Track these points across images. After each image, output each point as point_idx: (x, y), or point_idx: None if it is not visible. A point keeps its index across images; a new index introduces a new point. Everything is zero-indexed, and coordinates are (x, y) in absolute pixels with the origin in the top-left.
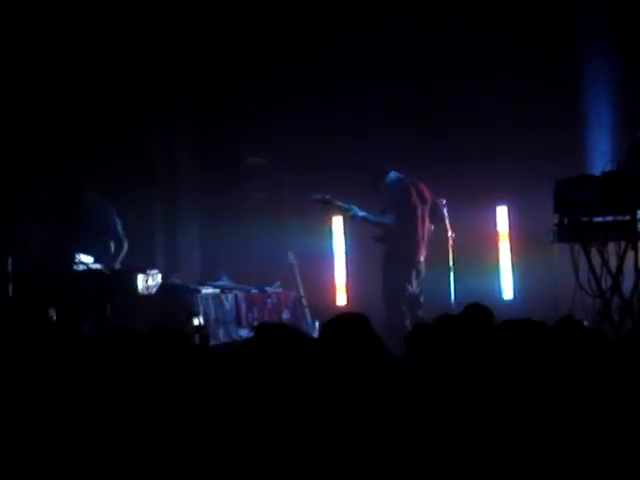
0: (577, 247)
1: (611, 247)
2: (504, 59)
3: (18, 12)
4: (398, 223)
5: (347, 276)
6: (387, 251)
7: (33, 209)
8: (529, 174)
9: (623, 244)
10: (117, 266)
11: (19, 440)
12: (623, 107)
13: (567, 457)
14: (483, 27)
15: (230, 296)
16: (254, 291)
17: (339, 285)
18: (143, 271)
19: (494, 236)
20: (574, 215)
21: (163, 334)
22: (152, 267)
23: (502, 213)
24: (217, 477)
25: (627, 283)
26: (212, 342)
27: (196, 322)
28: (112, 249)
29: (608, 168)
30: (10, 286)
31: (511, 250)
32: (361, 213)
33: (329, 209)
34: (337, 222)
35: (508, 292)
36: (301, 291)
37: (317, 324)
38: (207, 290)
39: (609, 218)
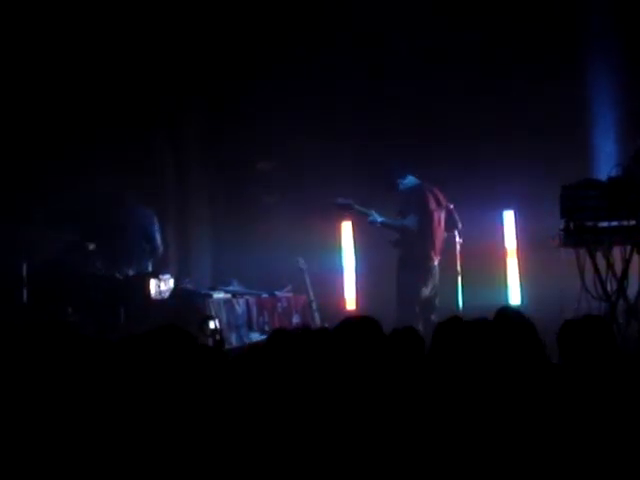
0: (583, 251)
1: (616, 251)
2: (511, 65)
3: (28, 11)
4: (417, 225)
5: (356, 280)
6: (403, 254)
7: (46, 212)
8: (535, 179)
9: (628, 248)
10: (132, 271)
11: (34, 444)
12: (629, 112)
13: (575, 461)
14: (489, 32)
15: (241, 301)
16: (264, 296)
17: (349, 289)
18: (155, 276)
19: (501, 241)
20: (580, 220)
21: (172, 335)
22: (164, 272)
23: (509, 218)
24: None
25: (632, 287)
26: (225, 346)
27: (212, 325)
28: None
29: (614, 173)
30: (25, 290)
31: (518, 255)
32: (380, 218)
33: (347, 214)
34: (346, 227)
35: (515, 296)
36: (311, 295)
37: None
38: (219, 295)
39: (614, 223)
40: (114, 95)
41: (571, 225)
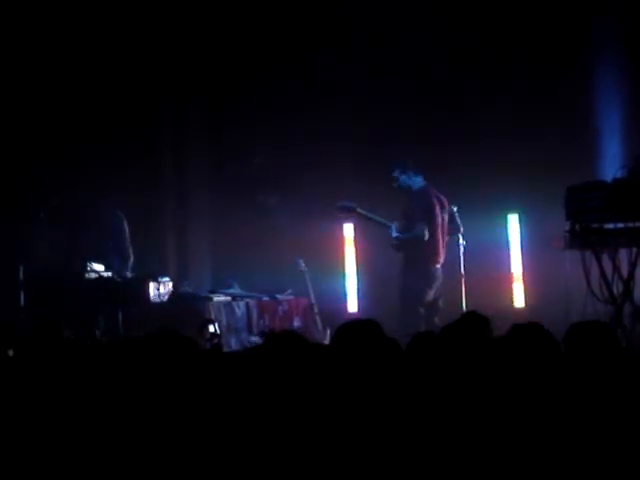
0: (588, 254)
1: (622, 253)
2: (516, 66)
3: (28, 11)
4: (428, 234)
5: (358, 282)
6: (407, 257)
7: (44, 214)
8: (540, 181)
9: (634, 250)
10: (128, 274)
11: (29, 448)
12: (634, 113)
13: (571, 462)
14: (495, 34)
15: (241, 304)
16: (265, 299)
17: (350, 292)
18: (154, 279)
19: (505, 244)
20: (585, 222)
21: (168, 339)
22: (163, 275)
23: (513, 221)
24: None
25: (638, 289)
26: (224, 350)
27: (212, 329)
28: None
29: (619, 174)
30: (22, 294)
31: (522, 257)
32: (395, 234)
33: (350, 217)
34: (348, 229)
35: (519, 299)
36: (312, 298)
37: (328, 331)
38: (219, 298)
39: (620, 225)
40: (113, 95)
41: (577, 227)
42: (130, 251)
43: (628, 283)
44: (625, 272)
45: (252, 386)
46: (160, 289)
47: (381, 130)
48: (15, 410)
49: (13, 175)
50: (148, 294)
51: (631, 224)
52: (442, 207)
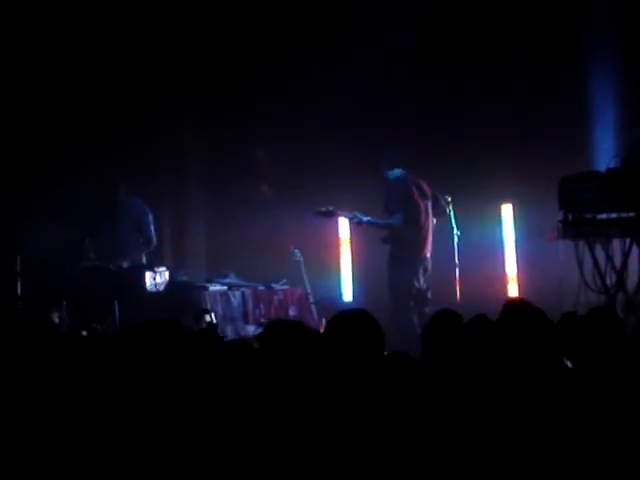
0: (582, 244)
1: (616, 244)
2: (509, 58)
3: (24, 12)
4: (404, 221)
5: (353, 272)
6: (393, 249)
7: (41, 208)
8: (534, 171)
9: (628, 241)
10: (125, 264)
11: (24, 442)
12: (627, 104)
13: (571, 457)
14: (487, 26)
15: (237, 293)
16: (261, 288)
17: (345, 281)
18: (151, 269)
19: (499, 234)
20: (578, 212)
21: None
22: (160, 265)
23: (507, 210)
24: (223, 473)
25: (632, 280)
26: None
27: (207, 319)
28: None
29: (612, 165)
30: (18, 284)
31: (516, 247)
32: (365, 218)
33: (333, 218)
34: (343, 221)
35: (513, 288)
36: (307, 288)
37: (323, 320)
38: (214, 287)
39: (613, 215)
40: (111, 90)
41: (570, 217)
42: (154, 238)
43: (621, 273)
44: (618, 262)
45: (250, 374)
46: (156, 278)
47: (378, 123)
48: (10, 402)
49: (12, 171)
50: (144, 283)
51: (624, 214)
52: (422, 194)
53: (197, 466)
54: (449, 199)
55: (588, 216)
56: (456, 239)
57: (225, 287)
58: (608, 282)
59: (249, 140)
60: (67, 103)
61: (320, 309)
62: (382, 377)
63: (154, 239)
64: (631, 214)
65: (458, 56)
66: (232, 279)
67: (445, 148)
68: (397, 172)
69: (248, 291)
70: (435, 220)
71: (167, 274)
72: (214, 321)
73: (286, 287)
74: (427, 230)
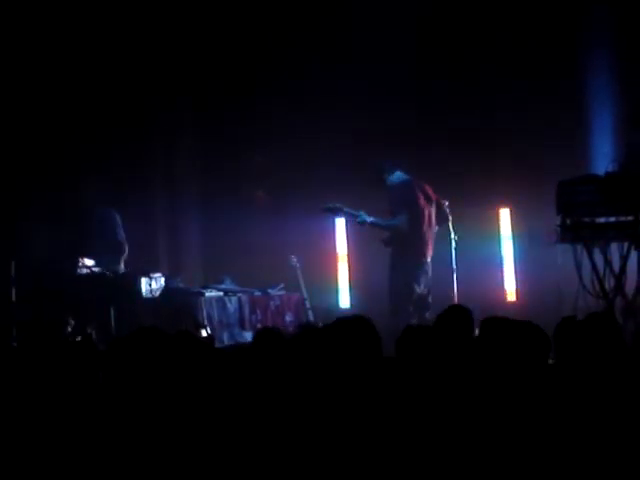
0: (580, 248)
1: (614, 248)
2: (506, 60)
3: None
4: (408, 223)
5: (350, 278)
6: (394, 252)
7: (36, 211)
8: (532, 176)
9: (626, 245)
10: (121, 269)
11: (27, 447)
12: (625, 108)
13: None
14: (484, 27)
15: (233, 299)
16: (257, 294)
17: (342, 287)
18: (146, 274)
19: (497, 238)
20: (577, 216)
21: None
22: (155, 270)
23: (505, 215)
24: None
25: (630, 284)
26: (217, 345)
27: (204, 334)
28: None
29: (610, 168)
30: (13, 289)
31: (514, 252)
32: (370, 219)
33: (339, 216)
34: (340, 223)
35: (511, 293)
36: (304, 293)
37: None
38: (210, 293)
39: (612, 219)
40: (104, 95)
41: (568, 221)
42: (125, 246)
43: (620, 277)
44: (617, 266)
45: (242, 382)
46: (152, 285)
47: (372, 126)
48: (8, 406)
49: (5, 173)
50: (140, 290)
51: (622, 218)
52: (427, 199)
53: (190, 470)
54: (446, 203)
55: (586, 220)
56: (453, 243)
57: (221, 293)
58: (607, 286)
59: (245, 145)
60: (62, 109)
61: (317, 315)
62: (379, 381)
63: (124, 243)
64: (629, 218)
65: (456, 58)
66: (228, 285)
67: (443, 151)
68: (400, 175)
69: (244, 297)
70: (437, 227)
71: (163, 280)
72: (210, 335)
73: (283, 293)
74: (430, 235)
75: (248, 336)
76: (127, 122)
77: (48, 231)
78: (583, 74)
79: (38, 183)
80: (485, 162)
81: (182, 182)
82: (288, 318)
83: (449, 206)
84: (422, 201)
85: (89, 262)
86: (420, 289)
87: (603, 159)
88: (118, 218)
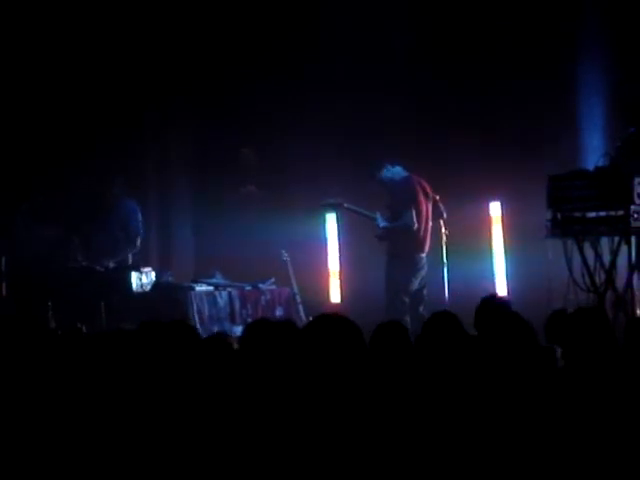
0: (570, 242)
1: (604, 242)
2: (497, 56)
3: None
4: (416, 222)
5: (341, 272)
6: (391, 247)
7: (28, 208)
8: (522, 170)
9: (616, 239)
10: (112, 264)
11: (18, 441)
12: (616, 102)
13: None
14: (476, 26)
15: (224, 293)
16: (248, 288)
17: (333, 281)
18: (137, 269)
19: (488, 232)
20: (567, 210)
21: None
22: (146, 265)
23: (495, 209)
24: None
25: (620, 278)
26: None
27: None
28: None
29: (601, 163)
30: (4, 285)
31: (505, 246)
32: (383, 223)
33: (337, 213)
34: (331, 218)
35: (502, 288)
36: (295, 288)
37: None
38: (201, 288)
39: (602, 213)
40: (98, 94)
41: (558, 215)
42: (139, 240)
43: (610, 272)
44: (607, 261)
45: (233, 376)
46: (142, 279)
47: (365, 121)
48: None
49: None
50: (130, 284)
51: (613, 213)
52: (425, 194)
53: (181, 466)
54: (437, 197)
55: (577, 215)
56: (444, 238)
57: (211, 287)
58: (597, 280)
59: (236, 139)
60: (51, 104)
61: (308, 309)
62: (365, 375)
63: (138, 240)
64: (620, 212)
65: (444, 55)
66: (219, 279)
67: (432, 146)
68: (400, 171)
69: (235, 291)
70: (431, 223)
71: (153, 274)
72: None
73: (273, 287)
74: (427, 231)
75: (238, 330)
76: (118, 117)
77: (39, 227)
78: (574, 69)
79: (30, 179)
80: (476, 156)
81: (173, 177)
82: (278, 313)
83: (440, 200)
84: (422, 197)
85: (80, 256)
86: (416, 283)
87: (594, 154)
88: (139, 212)
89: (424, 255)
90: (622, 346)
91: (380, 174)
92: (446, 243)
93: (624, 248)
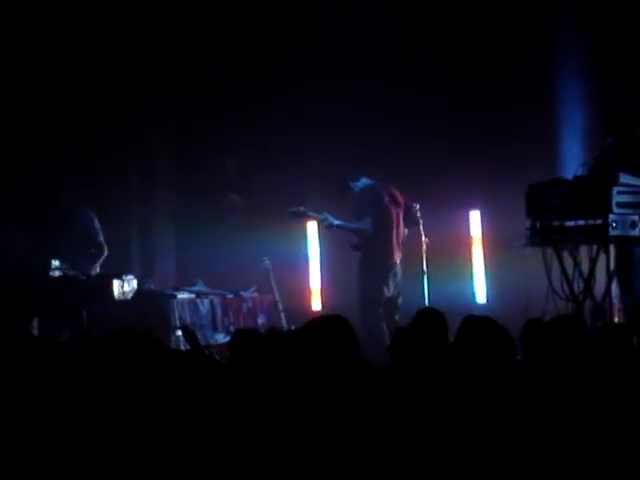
0: (549, 251)
1: (583, 251)
2: (477, 63)
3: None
4: (374, 225)
5: (322, 280)
6: (363, 255)
7: (9, 214)
8: (502, 179)
9: (595, 248)
10: (94, 272)
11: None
12: (595, 112)
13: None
14: (457, 32)
15: (206, 301)
16: (230, 296)
17: (314, 289)
18: (119, 277)
19: (467, 241)
20: (546, 219)
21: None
22: (128, 273)
23: (475, 218)
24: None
25: (599, 287)
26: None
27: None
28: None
29: (580, 172)
30: None
31: (484, 254)
32: (336, 222)
33: (305, 220)
34: (312, 227)
35: (481, 296)
36: (276, 296)
37: (292, 328)
38: (183, 295)
39: (581, 222)
40: (79, 95)
41: (537, 224)
42: (105, 248)
43: (588, 280)
44: (586, 269)
45: (219, 385)
46: (124, 287)
47: (344, 129)
48: None
49: None
50: (112, 292)
51: (591, 221)
52: (394, 201)
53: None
54: (417, 207)
55: (556, 223)
56: (424, 246)
57: (193, 295)
58: (575, 289)
59: (217, 148)
60: (34, 110)
61: (289, 317)
62: (356, 382)
63: (104, 245)
64: (598, 221)
65: (426, 61)
66: (200, 287)
67: (413, 154)
68: (365, 181)
69: (217, 299)
70: (407, 231)
71: (135, 282)
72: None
73: (255, 295)
74: (397, 236)
75: (220, 338)
76: (100, 123)
77: (21, 234)
78: (554, 77)
79: (11, 184)
80: (456, 165)
81: (155, 184)
82: (260, 320)
83: (420, 209)
84: (387, 203)
85: (61, 264)
86: (389, 292)
87: (573, 163)
88: (97, 220)
89: (396, 262)
90: (596, 352)
91: (350, 191)
92: (425, 251)
93: (603, 257)
